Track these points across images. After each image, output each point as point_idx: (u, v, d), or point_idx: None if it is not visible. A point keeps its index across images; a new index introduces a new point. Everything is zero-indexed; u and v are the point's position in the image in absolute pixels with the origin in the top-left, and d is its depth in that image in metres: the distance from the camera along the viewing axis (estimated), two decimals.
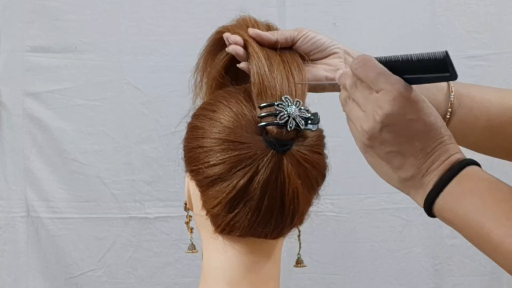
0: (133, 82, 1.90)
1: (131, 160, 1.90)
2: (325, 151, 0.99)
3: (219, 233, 0.97)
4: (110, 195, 1.90)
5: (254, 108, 0.95)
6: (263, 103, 0.94)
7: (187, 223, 1.05)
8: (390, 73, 0.85)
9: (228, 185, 0.93)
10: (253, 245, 0.97)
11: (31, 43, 1.87)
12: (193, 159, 0.97)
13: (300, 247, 1.04)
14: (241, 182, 0.93)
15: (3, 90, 1.88)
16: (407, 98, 0.84)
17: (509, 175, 1.89)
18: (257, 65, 0.97)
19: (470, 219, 0.83)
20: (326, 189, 1.00)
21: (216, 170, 0.94)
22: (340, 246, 1.94)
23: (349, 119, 0.89)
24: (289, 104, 0.94)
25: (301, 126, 0.94)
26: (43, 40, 1.87)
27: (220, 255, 0.98)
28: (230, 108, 0.96)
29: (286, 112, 0.93)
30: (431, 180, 0.85)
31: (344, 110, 0.90)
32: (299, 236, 1.02)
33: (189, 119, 1.01)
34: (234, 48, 1.01)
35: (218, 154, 0.94)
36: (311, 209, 0.99)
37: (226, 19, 1.07)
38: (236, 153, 0.93)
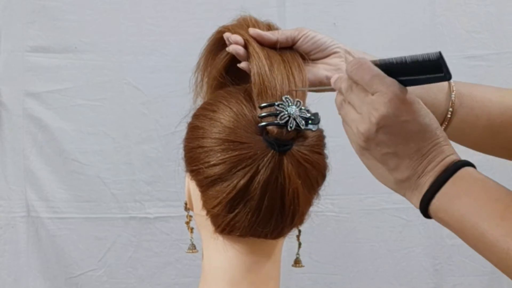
0: (133, 82, 1.90)
1: (131, 160, 1.90)
2: (326, 151, 0.99)
3: (219, 233, 0.97)
4: (110, 195, 1.90)
5: (255, 108, 0.95)
6: (263, 103, 0.94)
7: (187, 223, 1.05)
8: (385, 75, 0.85)
9: (229, 185, 0.93)
10: (253, 245, 0.97)
11: (31, 43, 1.87)
12: (193, 159, 0.96)
13: (299, 247, 1.04)
14: (242, 182, 0.93)
15: (4, 90, 1.88)
16: (402, 100, 0.84)
17: (509, 175, 1.89)
18: (258, 65, 0.97)
19: (465, 219, 0.83)
20: (326, 189, 1.00)
21: (217, 170, 0.94)
22: (340, 246, 1.94)
23: (345, 122, 0.89)
24: (290, 104, 0.94)
25: (301, 126, 0.94)
26: (43, 40, 1.88)
27: (220, 255, 0.98)
28: (230, 108, 0.96)
29: (286, 112, 0.93)
30: (426, 181, 0.86)
31: (340, 114, 0.90)
32: (298, 236, 1.02)
33: (189, 119, 1.01)
34: (235, 47, 1.01)
35: (219, 154, 0.94)
36: (311, 209, 0.99)
37: (226, 19, 1.07)
38: (237, 153, 0.93)
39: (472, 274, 1.94)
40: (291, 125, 0.93)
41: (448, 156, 0.86)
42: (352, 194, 1.92)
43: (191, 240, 1.05)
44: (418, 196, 0.86)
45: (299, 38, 1.04)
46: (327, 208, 1.90)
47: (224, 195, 0.94)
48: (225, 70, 1.05)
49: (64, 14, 1.87)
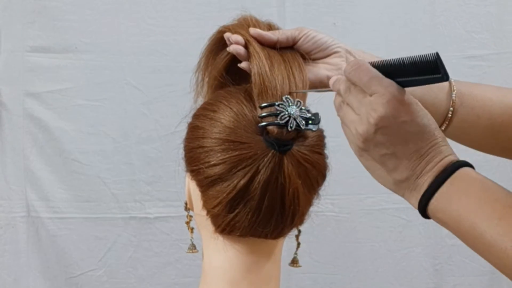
0: (133, 82, 1.90)
1: (131, 160, 1.90)
2: (326, 151, 0.99)
3: (220, 233, 0.97)
4: (111, 195, 1.90)
5: (255, 108, 0.95)
6: (263, 103, 0.94)
7: (187, 223, 1.05)
8: (383, 76, 0.86)
9: (229, 185, 0.93)
10: (253, 245, 0.97)
11: (31, 43, 1.87)
12: (194, 159, 0.97)
13: (297, 247, 1.04)
14: (242, 182, 0.93)
15: (4, 90, 1.88)
16: (400, 101, 0.85)
17: (509, 175, 1.89)
18: (258, 65, 0.97)
19: (463, 219, 0.83)
20: (326, 189, 1.00)
21: (217, 170, 0.94)
22: (340, 246, 1.94)
23: (343, 123, 0.90)
24: (290, 104, 0.94)
25: (301, 126, 0.94)
26: (43, 40, 1.88)
27: (220, 255, 0.98)
28: (230, 108, 0.96)
29: (286, 112, 0.93)
30: (425, 182, 0.86)
31: (338, 115, 0.91)
32: (297, 236, 1.02)
33: (189, 119, 1.01)
34: (235, 47, 1.01)
35: (219, 154, 0.94)
36: (311, 209, 0.99)
37: (226, 19, 1.07)
38: (237, 153, 0.93)
39: (472, 274, 1.94)
40: (291, 125, 0.93)
41: (446, 156, 0.86)
42: (352, 194, 1.92)
43: (191, 240, 1.05)
44: (417, 197, 0.87)
45: (300, 38, 1.04)
46: (327, 208, 1.90)
47: (224, 195, 0.94)
48: (225, 70, 1.05)
49: (64, 14, 1.87)
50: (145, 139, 1.90)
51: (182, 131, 1.01)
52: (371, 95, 0.85)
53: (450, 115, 1.09)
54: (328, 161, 0.99)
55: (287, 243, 1.02)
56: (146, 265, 1.92)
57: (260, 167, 0.92)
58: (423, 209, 0.86)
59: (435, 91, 1.08)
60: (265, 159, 0.93)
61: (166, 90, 1.89)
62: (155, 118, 1.90)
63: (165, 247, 1.92)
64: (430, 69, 0.82)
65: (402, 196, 0.89)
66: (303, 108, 0.95)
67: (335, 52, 1.07)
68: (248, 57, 1.00)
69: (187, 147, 0.98)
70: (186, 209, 1.03)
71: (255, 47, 1.00)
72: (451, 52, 1.90)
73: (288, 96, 0.95)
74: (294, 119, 0.93)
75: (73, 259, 1.90)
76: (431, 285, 1.95)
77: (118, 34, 1.89)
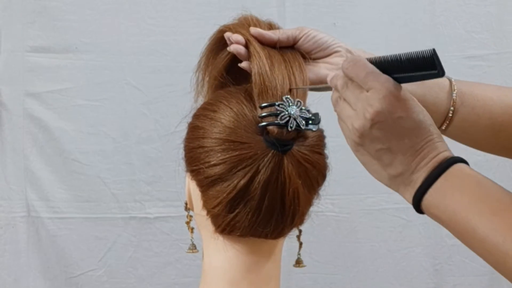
0: (133, 82, 1.90)
1: (131, 160, 1.90)
2: (326, 151, 0.99)
3: (220, 233, 0.97)
4: (111, 195, 1.90)
5: (255, 108, 0.95)
6: (264, 103, 0.94)
7: (187, 223, 1.05)
8: (379, 72, 0.86)
9: (229, 185, 0.94)
10: (253, 245, 0.97)
11: (31, 43, 1.87)
12: (194, 159, 0.97)
13: (300, 247, 1.04)
14: (242, 182, 0.93)
15: (4, 90, 1.88)
16: (396, 97, 0.85)
17: (509, 175, 1.89)
18: (258, 65, 0.97)
19: (457, 215, 0.84)
20: (326, 189, 1.00)
21: (217, 170, 0.94)
22: (340, 246, 1.94)
23: (340, 118, 0.90)
24: (290, 104, 0.94)
25: (301, 126, 0.94)
26: (43, 40, 1.87)
27: (220, 255, 0.98)
28: (230, 108, 0.96)
29: (287, 112, 0.93)
30: (419, 177, 0.86)
31: (335, 110, 0.91)
32: (298, 236, 1.02)
33: (189, 119, 1.01)
34: (236, 47, 1.01)
35: (219, 154, 0.94)
36: (311, 209, 0.99)
37: (227, 19, 1.07)
38: (237, 153, 0.93)
39: (472, 274, 1.94)
40: (291, 125, 0.93)
41: (441, 152, 0.87)
42: (352, 194, 1.92)
43: (191, 240, 1.05)
44: (411, 192, 0.87)
45: (300, 38, 1.04)
46: (327, 208, 1.90)
47: (225, 195, 0.94)
48: (225, 70, 1.05)
49: (64, 14, 1.87)
50: (145, 139, 1.90)
51: (182, 131, 1.01)
52: (367, 91, 0.85)
53: (450, 115, 1.09)
54: (328, 161, 0.99)
55: (287, 243, 1.02)
56: (146, 265, 1.92)
57: (260, 167, 0.93)
58: (417, 204, 0.87)
59: (436, 90, 1.08)
60: (265, 159, 0.93)
61: (166, 90, 1.89)
62: (155, 118, 1.90)
63: (165, 247, 1.91)
64: (426, 65, 0.82)
65: (397, 191, 0.89)
66: (303, 108, 0.95)
67: (335, 52, 1.07)
68: (248, 57, 1.00)
69: (187, 147, 0.98)
70: (186, 209, 1.03)
71: (256, 46, 1.00)
72: (451, 52, 1.90)
73: (288, 96, 0.95)
74: (294, 119, 0.93)
75: (73, 259, 1.90)
76: (431, 285, 1.95)
77: (118, 34, 1.89)
